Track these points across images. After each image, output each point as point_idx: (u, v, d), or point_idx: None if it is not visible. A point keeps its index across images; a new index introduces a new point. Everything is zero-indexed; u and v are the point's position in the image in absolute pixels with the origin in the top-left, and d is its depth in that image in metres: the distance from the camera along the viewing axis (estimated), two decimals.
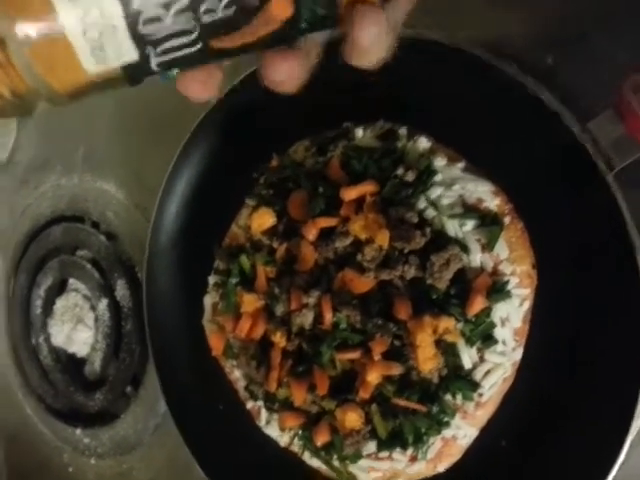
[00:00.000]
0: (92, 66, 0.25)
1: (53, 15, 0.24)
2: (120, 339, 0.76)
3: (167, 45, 0.25)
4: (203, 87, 0.27)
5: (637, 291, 0.43)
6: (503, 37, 0.48)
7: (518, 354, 0.48)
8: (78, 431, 0.81)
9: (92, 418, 0.80)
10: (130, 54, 0.25)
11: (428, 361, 0.45)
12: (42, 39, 0.24)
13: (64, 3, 0.24)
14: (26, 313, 0.87)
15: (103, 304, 0.77)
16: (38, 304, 0.85)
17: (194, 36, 0.25)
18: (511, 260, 0.46)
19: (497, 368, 0.47)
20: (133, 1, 0.24)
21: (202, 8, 0.25)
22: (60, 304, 0.82)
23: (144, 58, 0.26)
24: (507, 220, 0.47)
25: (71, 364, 0.83)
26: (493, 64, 0.45)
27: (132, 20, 0.24)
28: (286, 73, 0.26)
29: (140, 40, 0.25)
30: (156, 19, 0.25)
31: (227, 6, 0.25)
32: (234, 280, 0.56)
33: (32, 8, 0.24)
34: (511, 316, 0.47)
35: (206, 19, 0.25)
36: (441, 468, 0.50)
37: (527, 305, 0.47)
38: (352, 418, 0.49)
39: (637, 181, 0.44)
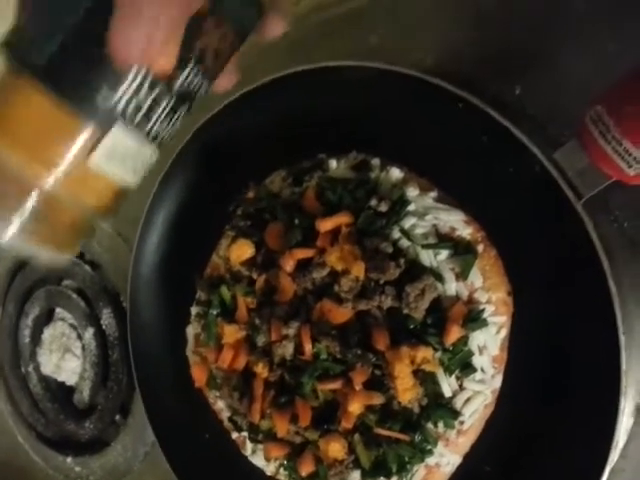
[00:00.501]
0: (133, 185, 0.34)
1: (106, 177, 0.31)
2: (107, 368, 0.76)
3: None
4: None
5: (610, 315, 0.43)
6: (471, 69, 0.49)
7: (497, 381, 0.48)
8: (69, 459, 0.81)
9: (83, 446, 0.80)
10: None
11: (407, 392, 0.46)
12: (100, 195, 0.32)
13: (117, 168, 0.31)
14: (15, 342, 0.87)
15: (89, 333, 0.77)
16: (26, 333, 0.85)
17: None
18: (486, 288, 0.47)
19: (477, 396, 0.47)
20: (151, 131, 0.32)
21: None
22: (48, 333, 0.82)
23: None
24: (480, 248, 0.47)
25: (60, 393, 0.83)
26: (462, 96, 0.46)
27: (155, 140, 0.33)
28: (281, 29, 0.37)
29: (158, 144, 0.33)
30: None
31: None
32: (215, 311, 0.56)
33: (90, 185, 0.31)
34: (488, 344, 0.47)
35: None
36: None
37: (504, 332, 0.47)
38: (335, 448, 0.49)
39: (605, 208, 0.45)
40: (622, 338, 0.42)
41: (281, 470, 0.55)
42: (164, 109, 0.31)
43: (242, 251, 0.55)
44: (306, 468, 0.51)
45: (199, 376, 0.58)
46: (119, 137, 0.29)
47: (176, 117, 0.33)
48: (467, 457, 0.49)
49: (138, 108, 0.30)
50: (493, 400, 0.48)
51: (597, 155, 0.38)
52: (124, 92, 0.29)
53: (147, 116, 0.31)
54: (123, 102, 0.29)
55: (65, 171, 0.28)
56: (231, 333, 0.54)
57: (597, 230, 0.43)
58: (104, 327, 0.76)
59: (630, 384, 0.46)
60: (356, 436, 0.49)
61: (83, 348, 0.79)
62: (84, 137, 0.29)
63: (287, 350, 0.51)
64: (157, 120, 0.31)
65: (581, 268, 0.44)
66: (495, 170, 0.46)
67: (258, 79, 0.58)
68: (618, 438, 0.44)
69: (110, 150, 0.29)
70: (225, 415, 0.58)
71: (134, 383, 0.69)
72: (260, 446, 0.55)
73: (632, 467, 0.47)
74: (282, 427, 0.51)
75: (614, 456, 0.45)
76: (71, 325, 0.81)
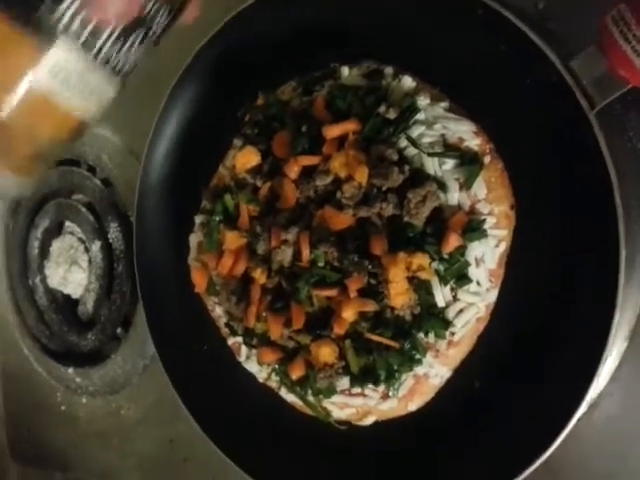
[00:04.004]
0: (88, 116, 0.34)
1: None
2: (112, 280, 0.77)
3: None
4: None
5: (615, 229, 0.42)
6: None
7: (492, 296, 0.48)
8: (70, 370, 0.84)
9: (84, 358, 0.82)
10: None
11: (400, 296, 0.46)
12: None
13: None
14: (24, 254, 0.88)
15: (96, 246, 0.78)
16: (35, 245, 0.87)
17: None
18: (489, 200, 0.46)
19: (470, 307, 0.47)
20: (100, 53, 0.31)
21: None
22: (56, 246, 0.84)
23: None
24: (487, 160, 0.46)
25: (65, 305, 0.85)
26: (482, 1, 0.44)
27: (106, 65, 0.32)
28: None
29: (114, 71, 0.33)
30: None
31: None
32: (217, 218, 0.56)
33: None
34: (486, 257, 0.47)
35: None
36: (413, 407, 0.51)
37: (503, 247, 0.47)
38: (326, 352, 0.50)
39: (620, 127, 0.43)
40: (623, 253, 0.41)
41: (272, 376, 0.56)
42: (112, 31, 0.30)
43: (248, 159, 0.55)
44: (297, 372, 0.52)
45: (199, 281, 0.58)
46: (63, 53, 0.29)
47: (130, 43, 0.31)
48: (457, 372, 0.50)
49: (83, 26, 0.29)
50: (486, 315, 0.48)
51: (616, 57, 0.37)
52: (68, 6, 0.28)
53: (94, 35, 0.29)
54: (67, 17, 0.28)
55: (17, 96, 0.28)
56: (232, 240, 0.55)
57: (610, 149, 0.42)
58: (111, 240, 0.77)
59: (627, 307, 0.46)
60: (347, 342, 0.49)
61: (89, 261, 0.80)
62: (28, 52, 0.28)
63: (285, 256, 0.51)
64: (105, 42, 0.30)
65: (589, 183, 0.43)
66: (511, 80, 0.45)
67: None
68: (607, 358, 0.43)
69: (54, 67, 0.28)
70: (222, 321, 0.59)
71: (137, 296, 0.70)
72: (254, 352, 0.56)
73: (621, 391, 0.47)
74: (276, 330, 0.51)
75: (604, 380, 0.45)
76: (79, 239, 0.82)
